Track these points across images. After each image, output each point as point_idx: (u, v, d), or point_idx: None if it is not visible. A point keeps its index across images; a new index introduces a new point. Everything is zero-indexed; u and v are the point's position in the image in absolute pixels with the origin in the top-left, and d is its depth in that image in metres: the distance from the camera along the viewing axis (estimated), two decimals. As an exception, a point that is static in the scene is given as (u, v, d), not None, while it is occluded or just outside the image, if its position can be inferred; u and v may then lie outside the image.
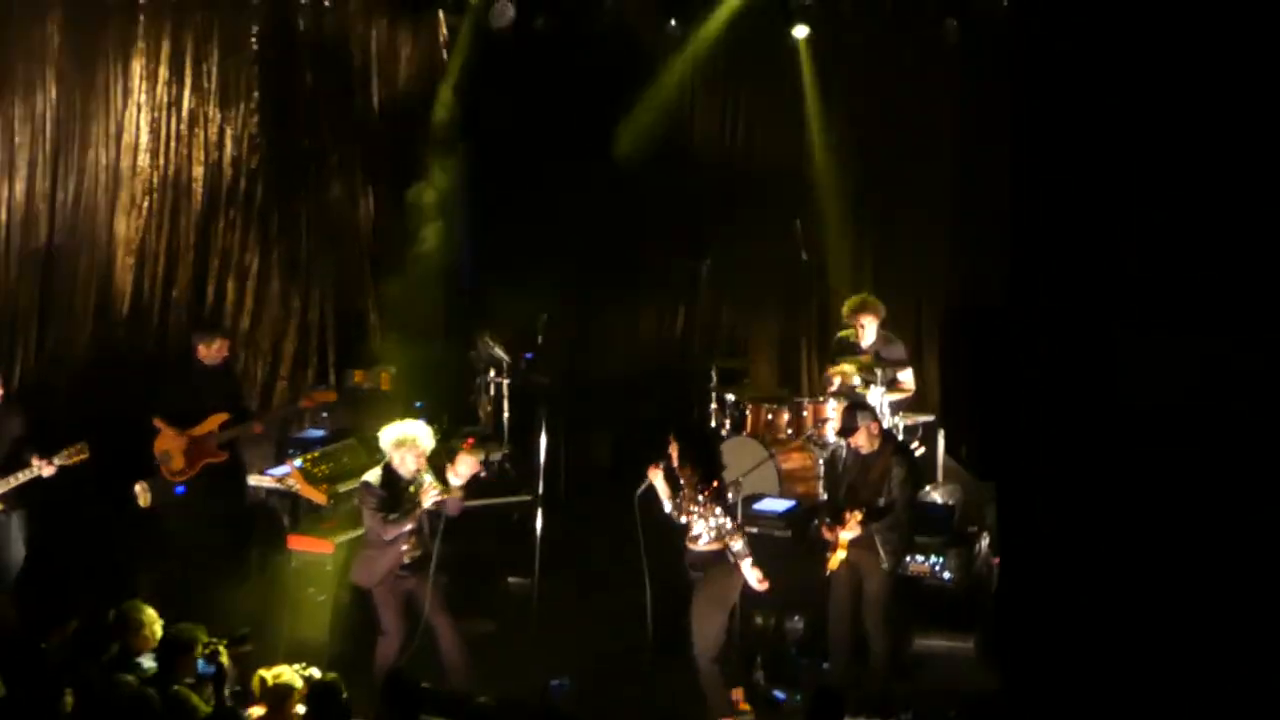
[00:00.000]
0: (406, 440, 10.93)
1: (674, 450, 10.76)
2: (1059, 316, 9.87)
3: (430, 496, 10.83)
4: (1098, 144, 9.86)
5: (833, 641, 11.43)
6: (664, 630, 11.37)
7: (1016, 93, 10.48)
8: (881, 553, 11.11)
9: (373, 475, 11.10)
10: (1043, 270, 9.95)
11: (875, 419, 11.34)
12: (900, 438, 11.43)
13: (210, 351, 13.05)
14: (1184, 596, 9.71)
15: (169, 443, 12.81)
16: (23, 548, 12.17)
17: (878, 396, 12.96)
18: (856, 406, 11.55)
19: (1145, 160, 9.78)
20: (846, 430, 11.35)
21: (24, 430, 11.97)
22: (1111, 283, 9.82)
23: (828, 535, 11.25)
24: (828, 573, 11.28)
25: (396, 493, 10.95)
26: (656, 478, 10.79)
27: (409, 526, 10.87)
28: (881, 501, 11.18)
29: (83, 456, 11.90)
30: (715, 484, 10.68)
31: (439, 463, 11.05)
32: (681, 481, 10.78)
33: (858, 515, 10.96)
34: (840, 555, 11.09)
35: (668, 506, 10.83)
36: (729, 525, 10.65)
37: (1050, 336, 9.84)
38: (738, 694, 11.15)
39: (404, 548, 10.93)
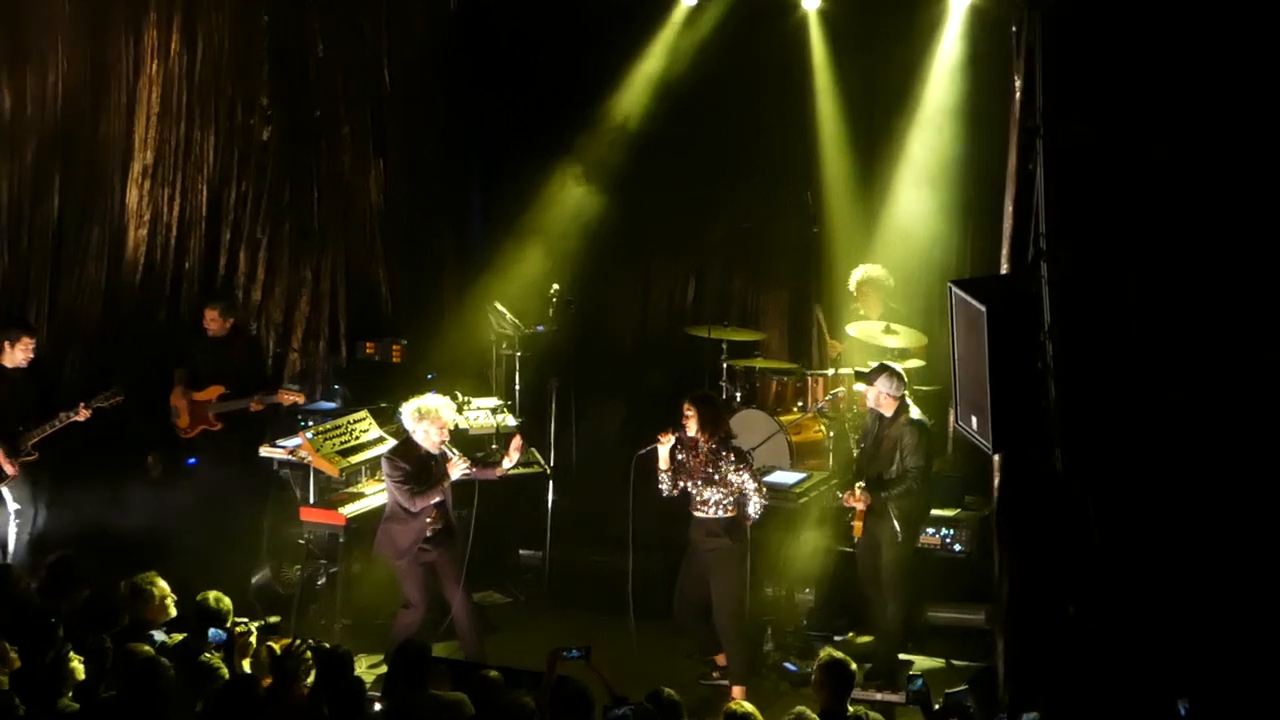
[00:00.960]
0: (429, 413, 11.00)
1: (692, 417, 10.82)
2: (1070, 280, 9.86)
3: (458, 469, 10.97)
4: (1112, 110, 9.84)
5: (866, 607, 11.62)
6: (651, 596, 11.49)
7: (1023, 57, 10.45)
8: (895, 522, 11.15)
9: (395, 448, 11.17)
10: (1053, 241, 9.94)
11: (892, 391, 11.31)
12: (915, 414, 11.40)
13: (211, 321, 13.29)
14: (1202, 561, 9.72)
15: (178, 399, 13.27)
16: (42, 512, 12.41)
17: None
18: (884, 368, 11.54)
19: (1160, 122, 9.76)
20: (867, 380, 11.46)
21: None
22: (1119, 242, 9.81)
23: (846, 503, 11.34)
24: (856, 540, 11.41)
25: (420, 465, 11.02)
26: (664, 446, 10.86)
27: (435, 499, 10.95)
28: (894, 470, 11.22)
29: (118, 399, 12.50)
30: (735, 446, 10.78)
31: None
32: (699, 448, 10.85)
33: (858, 486, 11.08)
34: (859, 524, 11.21)
35: (663, 478, 10.90)
36: (751, 486, 10.77)
37: (1061, 301, 9.83)
38: (720, 659, 11.22)
39: (428, 520, 10.99)
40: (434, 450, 11.04)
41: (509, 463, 11.37)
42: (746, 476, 10.85)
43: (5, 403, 12.44)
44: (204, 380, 13.37)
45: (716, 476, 10.81)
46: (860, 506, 11.12)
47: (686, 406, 10.93)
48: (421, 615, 11.18)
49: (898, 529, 11.17)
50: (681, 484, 10.94)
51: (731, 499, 10.83)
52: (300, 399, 13.55)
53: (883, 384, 11.36)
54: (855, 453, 12.54)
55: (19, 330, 12.63)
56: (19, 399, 12.49)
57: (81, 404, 12.36)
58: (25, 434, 12.32)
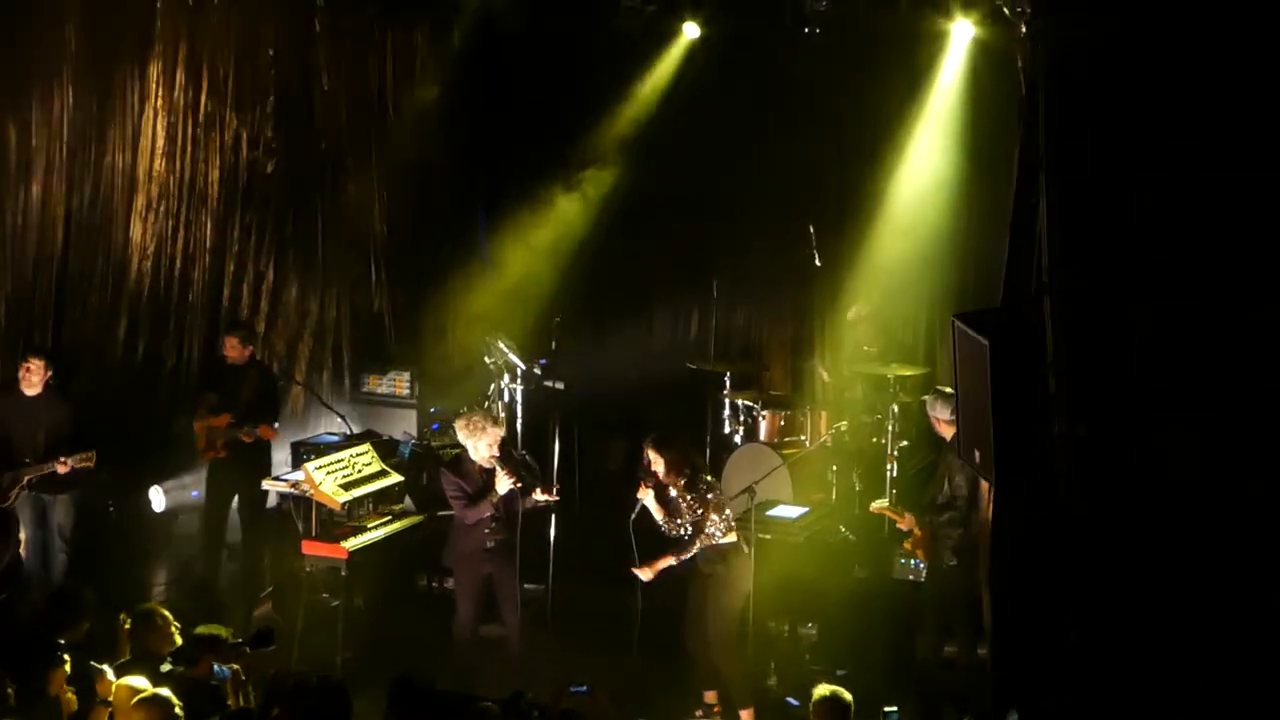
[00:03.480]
0: (473, 424, 11.25)
1: (659, 463, 10.85)
2: (1074, 314, 9.85)
3: (504, 483, 11.14)
4: (1116, 143, 9.84)
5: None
6: (655, 633, 11.48)
7: (1032, 92, 10.45)
8: (943, 549, 11.12)
9: (450, 462, 11.58)
10: (1052, 266, 9.93)
11: (945, 417, 11.20)
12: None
13: (232, 349, 13.33)
14: (1207, 595, 9.68)
15: (198, 424, 13.22)
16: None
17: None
18: (938, 394, 11.49)
19: (1164, 156, 9.76)
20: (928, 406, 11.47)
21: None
22: (1122, 275, 9.79)
23: (901, 526, 11.39)
24: (921, 566, 11.47)
25: (473, 479, 11.27)
26: (647, 498, 10.89)
27: (486, 511, 11.17)
28: (941, 498, 11.18)
29: (88, 464, 12.41)
30: (701, 480, 10.87)
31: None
32: (674, 492, 10.85)
33: (882, 503, 11.11)
34: (907, 545, 11.25)
35: (663, 525, 10.90)
36: (706, 525, 10.77)
37: (1065, 335, 9.81)
38: (710, 697, 11.20)
39: (485, 531, 11.22)
40: (485, 464, 11.25)
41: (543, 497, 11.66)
42: (700, 516, 10.85)
43: (19, 427, 12.44)
44: (219, 407, 13.37)
45: (700, 511, 10.80)
46: (903, 527, 11.18)
47: (648, 451, 10.97)
48: (468, 630, 11.44)
49: (946, 558, 11.12)
50: (680, 522, 10.90)
51: (691, 534, 10.82)
52: (273, 436, 13.49)
53: (932, 408, 11.32)
54: (858, 487, 12.56)
55: (31, 354, 12.65)
56: (34, 425, 12.48)
57: (62, 459, 12.31)
58: (25, 467, 12.31)
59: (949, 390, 11.59)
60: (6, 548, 12.22)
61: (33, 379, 12.51)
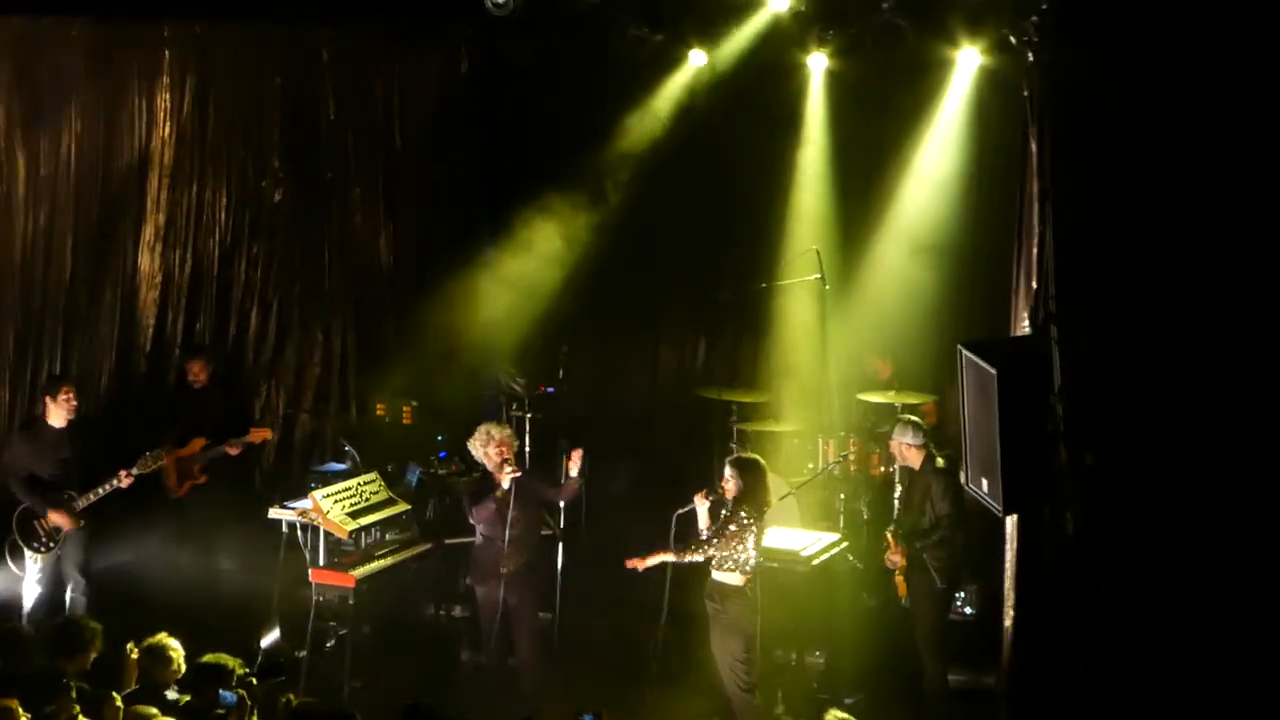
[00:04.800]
0: (480, 432, 11.54)
1: (733, 480, 10.78)
2: (1080, 343, 9.86)
3: (507, 476, 11.28)
4: (1119, 173, 9.86)
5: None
6: (663, 661, 11.46)
7: (1034, 121, 10.49)
8: (933, 573, 11.12)
9: (471, 480, 11.92)
10: (1062, 302, 9.95)
11: (912, 442, 11.32)
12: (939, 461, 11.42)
13: (200, 373, 13.42)
14: (1212, 630, 9.67)
15: (166, 460, 13.09)
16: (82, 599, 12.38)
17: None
18: (901, 421, 11.58)
19: (1166, 187, 9.78)
20: (887, 436, 11.49)
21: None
22: (1127, 304, 9.81)
23: (888, 564, 11.34)
24: (902, 599, 11.38)
25: (479, 482, 11.62)
26: (702, 506, 10.85)
27: (490, 507, 11.34)
28: (926, 521, 11.20)
29: (160, 464, 12.58)
30: (751, 514, 10.73)
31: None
32: (726, 512, 10.80)
33: (888, 536, 11.07)
34: (899, 578, 11.20)
35: (705, 534, 10.84)
36: (750, 562, 10.69)
37: (1071, 363, 9.83)
38: None
39: (500, 544, 11.35)
40: (491, 467, 11.40)
41: (574, 470, 11.62)
42: (751, 554, 10.80)
43: (52, 462, 12.44)
44: (187, 435, 13.43)
45: (733, 542, 10.74)
46: (898, 560, 11.14)
47: (728, 467, 10.91)
48: (490, 655, 11.56)
49: (938, 581, 11.15)
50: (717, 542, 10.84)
51: (737, 563, 10.77)
52: (268, 435, 13.65)
53: (899, 435, 11.39)
54: (865, 516, 12.52)
55: (61, 384, 12.63)
56: (62, 458, 12.47)
57: (123, 471, 12.36)
58: (71, 500, 12.32)
59: (914, 418, 11.66)
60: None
61: (63, 412, 12.49)
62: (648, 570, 10.95)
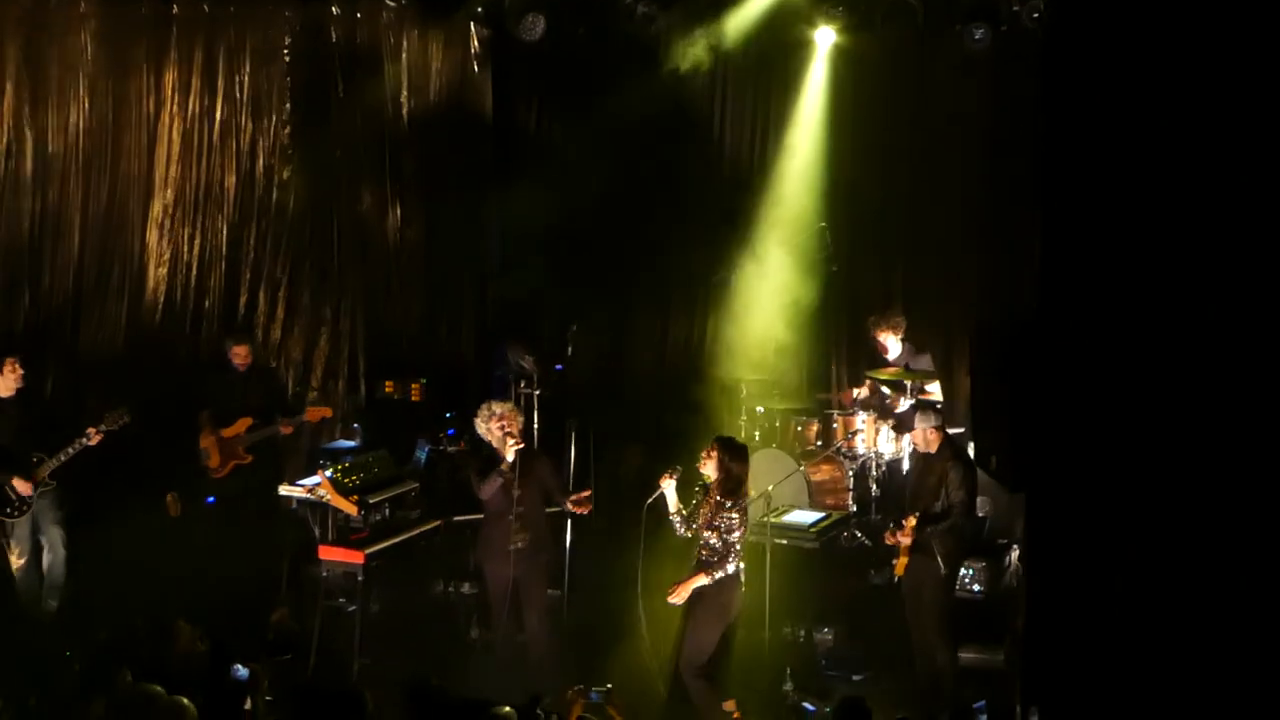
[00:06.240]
0: (481, 410, 11.52)
1: (712, 458, 10.71)
2: (1091, 324, 9.84)
3: (511, 449, 11.26)
4: (1131, 151, 9.83)
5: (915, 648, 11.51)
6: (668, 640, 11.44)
7: (1048, 101, 10.44)
8: (939, 558, 11.11)
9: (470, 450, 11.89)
10: (1074, 279, 9.92)
11: (936, 425, 11.32)
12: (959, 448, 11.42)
13: (244, 356, 13.40)
14: (1220, 609, 9.66)
15: (206, 440, 13.19)
16: (61, 553, 12.41)
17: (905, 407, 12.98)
18: (920, 406, 11.58)
19: (1180, 168, 9.74)
20: (904, 426, 11.44)
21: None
22: (1144, 289, 9.78)
23: (890, 541, 11.30)
24: (895, 578, 11.36)
25: (484, 459, 11.56)
26: (669, 487, 10.76)
27: (496, 482, 11.29)
28: (938, 506, 11.19)
29: (125, 420, 12.46)
30: (743, 497, 10.67)
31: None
32: (708, 492, 10.73)
33: (912, 521, 11.01)
34: (903, 559, 11.16)
35: (675, 519, 10.77)
36: (737, 544, 10.60)
37: (1083, 344, 9.80)
38: (729, 705, 11.14)
39: (511, 519, 11.32)
40: (495, 443, 11.41)
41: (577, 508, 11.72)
42: (737, 535, 10.74)
43: (4, 432, 12.39)
44: (230, 416, 13.40)
45: (720, 525, 10.65)
46: (906, 541, 11.11)
47: (713, 449, 10.80)
48: (499, 632, 11.53)
49: (942, 566, 11.14)
50: (695, 526, 10.77)
51: (722, 551, 10.66)
52: (328, 413, 13.72)
53: (922, 422, 11.36)
54: (875, 492, 12.52)
55: (3, 354, 12.52)
56: (15, 426, 12.42)
57: (91, 429, 12.34)
58: (41, 463, 12.33)
59: (932, 400, 11.65)
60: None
61: (9, 383, 12.47)
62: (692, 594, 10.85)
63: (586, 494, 11.77)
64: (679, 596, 10.57)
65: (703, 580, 10.50)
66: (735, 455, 10.72)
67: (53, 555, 12.54)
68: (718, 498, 10.58)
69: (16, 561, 12.46)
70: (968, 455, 11.47)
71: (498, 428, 11.38)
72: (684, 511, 10.72)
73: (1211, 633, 9.43)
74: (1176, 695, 9.48)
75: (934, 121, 14.58)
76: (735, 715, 11.05)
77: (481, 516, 11.72)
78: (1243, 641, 9.34)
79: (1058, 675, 10.04)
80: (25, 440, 12.35)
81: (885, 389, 13.62)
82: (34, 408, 12.67)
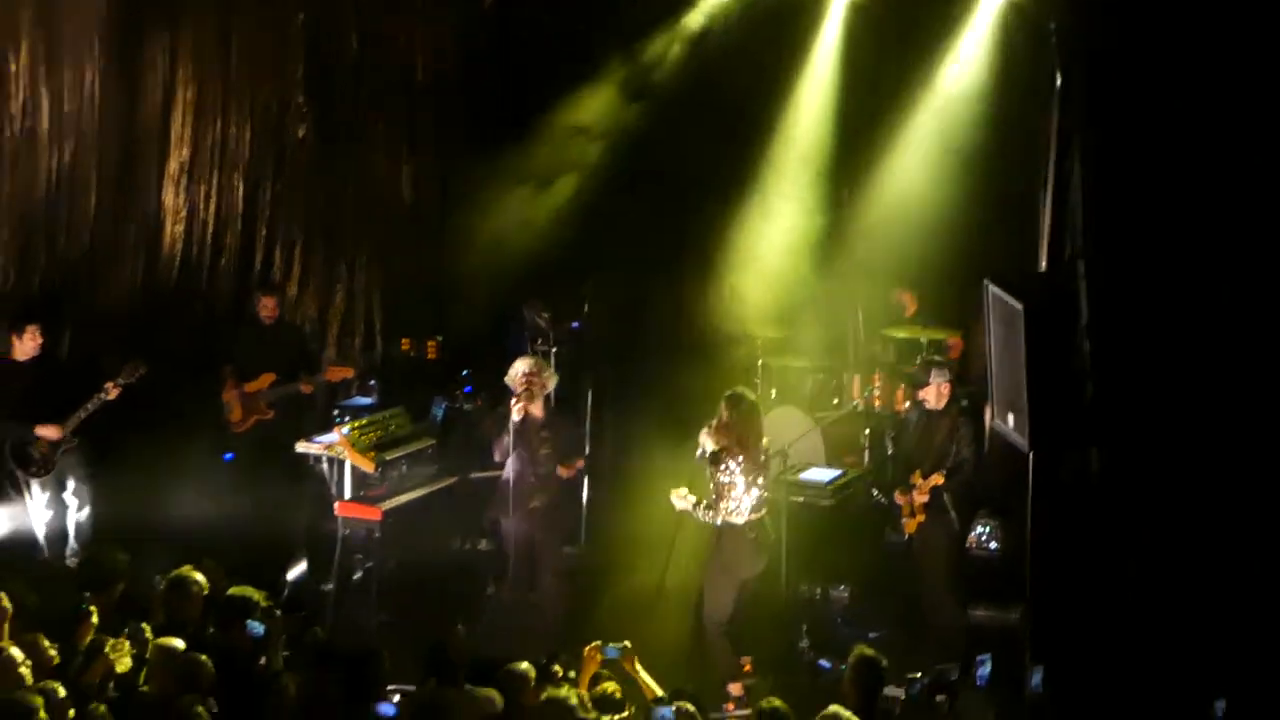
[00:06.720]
0: (508, 372, 11.55)
1: (723, 414, 10.76)
2: (1107, 279, 9.83)
3: (515, 409, 11.32)
4: (1144, 109, 9.81)
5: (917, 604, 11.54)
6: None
7: (1063, 57, 10.43)
8: (952, 513, 11.13)
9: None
10: (1086, 231, 9.92)
11: (949, 379, 11.34)
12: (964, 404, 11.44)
13: (272, 310, 13.44)
14: (1238, 565, 9.67)
15: (229, 394, 13.33)
16: (88, 510, 12.43)
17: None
18: (932, 363, 11.59)
19: (1191, 122, 9.72)
20: (918, 384, 11.43)
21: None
22: (1156, 240, 9.78)
23: (900, 499, 11.31)
24: (906, 536, 11.37)
25: (499, 414, 11.82)
26: (707, 442, 10.80)
27: (503, 440, 11.41)
28: (949, 462, 11.19)
29: (140, 372, 12.55)
30: (750, 454, 10.69)
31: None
32: (722, 451, 10.77)
33: (930, 480, 11.01)
34: (919, 519, 11.17)
35: (703, 514, 10.79)
36: (747, 505, 10.64)
37: (1099, 299, 9.80)
38: (744, 660, 11.19)
39: (531, 480, 11.45)
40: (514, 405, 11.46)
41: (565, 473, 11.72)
42: (742, 490, 10.74)
43: (22, 395, 12.47)
44: (254, 371, 13.45)
45: (730, 480, 10.69)
46: (923, 499, 11.12)
47: (722, 405, 10.85)
48: (514, 589, 11.62)
49: (957, 522, 11.17)
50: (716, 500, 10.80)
51: (737, 509, 10.72)
52: (349, 373, 13.77)
53: (938, 377, 11.36)
54: (890, 450, 12.49)
55: (24, 320, 12.64)
56: (34, 389, 12.51)
57: (109, 383, 12.41)
58: (62, 421, 12.38)
59: (940, 359, 11.66)
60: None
61: (27, 347, 12.50)
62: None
63: (579, 464, 11.93)
64: (678, 498, 10.79)
65: (692, 509, 10.69)
66: (734, 404, 10.80)
67: (79, 514, 12.60)
68: (721, 462, 10.63)
69: (40, 518, 12.53)
70: (975, 411, 11.47)
71: (519, 382, 11.41)
72: (706, 500, 10.72)
73: (1230, 598, 9.45)
74: (1193, 652, 9.51)
75: (952, 76, 14.50)
76: (746, 669, 11.10)
77: (499, 474, 11.74)
78: (1260, 598, 9.36)
79: (1062, 635, 10.08)
80: (44, 402, 12.40)
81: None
82: (52, 371, 12.74)
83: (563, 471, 11.74)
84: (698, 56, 15.40)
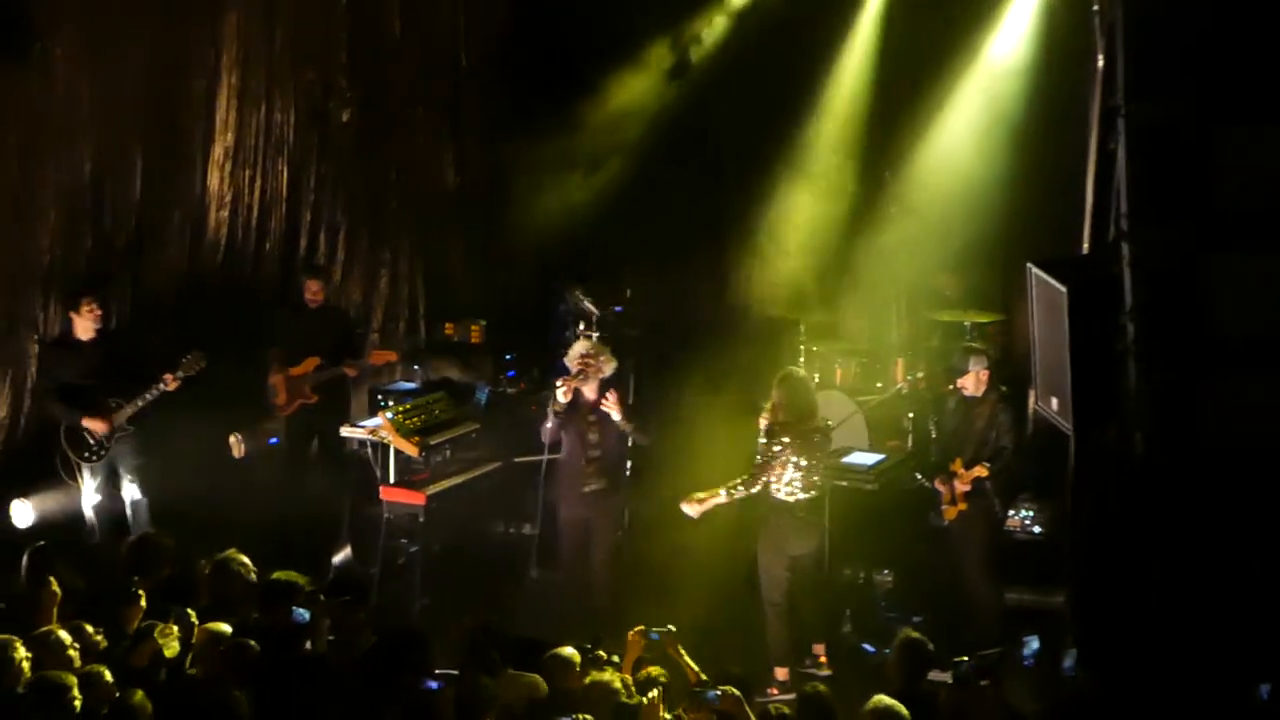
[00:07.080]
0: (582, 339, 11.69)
1: (776, 395, 10.83)
2: (1145, 255, 9.78)
3: (559, 391, 11.33)
4: (1190, 87, 9.74)
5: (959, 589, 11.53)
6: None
7: (1105, 34, 10.36)
8: (994, 498, 11.12)
9: None
10: (1133, 213, 9.86)
11: (987, 366, 11.32)
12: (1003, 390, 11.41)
13: (317, 293, 13.46)
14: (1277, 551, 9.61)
15: (275, 377, 13.37)
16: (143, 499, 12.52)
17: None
18: (971, 350, 11.55)
19: (1243, 105, 9.65)
20: (958, 371, 11.41)
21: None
22: (1198, 215, 9.71)
23: (940, 486, 11.29)
24: (946, 523, 11.36)
25: (546, 397, 11.90)
26: (762, 421, 10.88)
27: (549, 423, 11.43)
28: (988, 451, 11.17)
29: (201, 365, 12.52)
30: (799, 432, 10.71)
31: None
32: (775, 426, 10.85)
33: (982, 470, 10.99)
34: (960, 507, 11.15)
35: (735, 491, 10.84)
36: (797, 482, 10.71)
37: (1142, 282, 9.74)
38: (819, 648, 11.20)
39: (583, 463, 11.42)
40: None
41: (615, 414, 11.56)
42: (791, 469, 10.84)
43: (81, 377, 12.47)
44: (299, 355, 13.49)
45: (775, 469, 10.80)
46: (965, 488, 11.11)
47: (775, 385, 10.95)
48: (564, 573, 11.70)
49: (998, 507, 11.15)
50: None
51: (781, 487, 10.83)
52: (393, 357, 13.79)
53: (977, 364, 11.32)
54: (934, 434, 12.47)
55: (79, 296, 12.66)
56: (94, 370, 12.52)
57: (169, 375, 12.41)
58: (119, 408, 12.41)
59: (978, 345, 11.62)
60: None
61: (87, 325, 12.54)
62: (703, 514, 10.97)
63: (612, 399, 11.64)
64: (692, 508, 10.87)
65: (719, 499, 10.81)
66: (781, 382, 10.99)
67: (135, 503, 12.64)
68: (773, 441, 10.70)
69: (90, 502, 12.59)
70: (1015, 396, 11.44)
71: (575, 364, 11.44)
72: (736, 485, 10.77)
73: (1261, 572, 9.39)
74: (1235, 635, 9.46)
75: (994, 56, 14.43)
76: (822, 660, 11.11)
77: (543, 457, 11.75)
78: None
79: (1105, 618, 10.05)
80: (104, 384, 12.45)
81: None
82: (112, 352, 12.72)
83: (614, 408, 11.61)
84: (740, 34, 15.36)
